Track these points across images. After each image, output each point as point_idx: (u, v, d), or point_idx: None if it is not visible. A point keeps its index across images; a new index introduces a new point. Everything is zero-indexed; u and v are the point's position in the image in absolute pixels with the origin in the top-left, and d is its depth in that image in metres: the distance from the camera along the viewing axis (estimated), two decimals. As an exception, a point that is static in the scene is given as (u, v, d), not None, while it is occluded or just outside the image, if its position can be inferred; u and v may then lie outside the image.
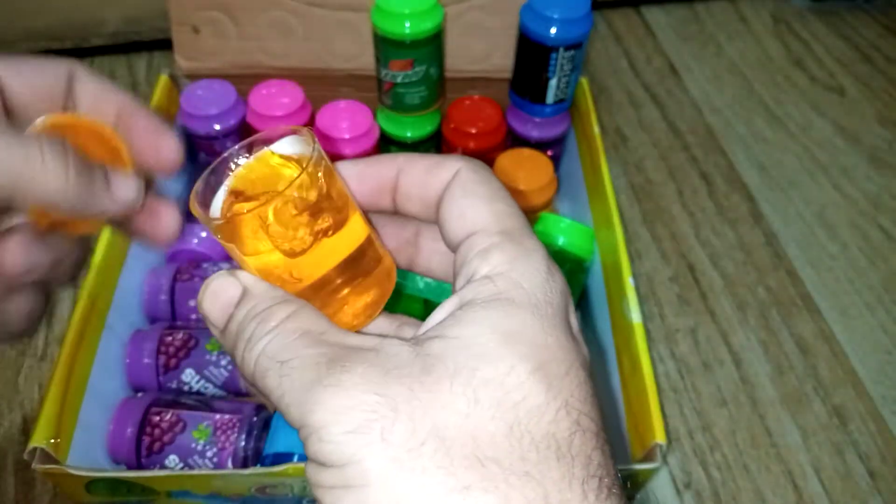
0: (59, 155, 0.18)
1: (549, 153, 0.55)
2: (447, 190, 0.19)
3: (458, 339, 0.16)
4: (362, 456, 0.15)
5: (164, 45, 0.76)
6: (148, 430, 0.42)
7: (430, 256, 0.22)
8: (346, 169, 0.21)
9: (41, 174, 0.18)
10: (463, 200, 0.19)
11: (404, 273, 0.47)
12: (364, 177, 0.20)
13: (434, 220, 0.20)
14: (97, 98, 0.22)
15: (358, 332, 0.19)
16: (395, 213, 0.21)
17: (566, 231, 0.47)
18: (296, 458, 0.41)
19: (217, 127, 0.51)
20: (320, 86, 0.56)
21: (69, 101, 0.22)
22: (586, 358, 0.18)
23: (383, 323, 0.22)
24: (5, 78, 0.21)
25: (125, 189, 0.20)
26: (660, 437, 0.36)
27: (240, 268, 0.20)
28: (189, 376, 0.45)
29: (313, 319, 0.17)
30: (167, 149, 0.22)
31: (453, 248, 0.19)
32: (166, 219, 0.23)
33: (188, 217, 0.22)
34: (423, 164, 0.20)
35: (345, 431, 0.15)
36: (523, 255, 0.17)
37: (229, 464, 0.42)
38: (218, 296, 0.19)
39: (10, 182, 0.18)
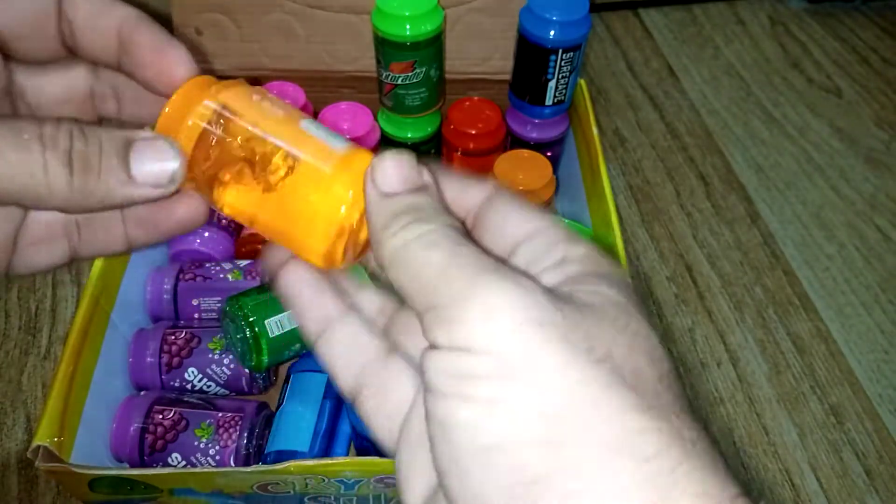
0: (61, 158, 0.17)
1: (548, 154, 0.55)
2: (491, 203, 0.19)
3: (600, 294, 0.16)
4: (542, 351, 0.14)
5: (165, 46, 0.76)
6: (151, 428, 0.42)
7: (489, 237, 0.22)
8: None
9: (43, 185, 0.17)
10: (515, 209, 0.18)
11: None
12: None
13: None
14: (92, 17, 0.20)
15: None
16: None
17: (565, 231, 0.47)
18: (298, 456, 0.41)
19: (219, 128, 0.52)
20: (322, 87, 0.56)
21: (63, 24, 0.20)
22: None
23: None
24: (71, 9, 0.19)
25: (153, 174, 0.18)
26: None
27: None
28: (192, 375, 0.46)
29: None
30: (176, 63, 0.20)
31: (510, 243, 0.18)
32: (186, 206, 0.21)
33: None
34: (459, 179, 0.19)
35: (524, 320, 0.14)
36: (593, 249, 0.18)
37: (231, 462, 0.42)
38: (403, 168, 0.18)
39: (17, 192, 0.17)
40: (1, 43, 0.20)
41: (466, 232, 0.17)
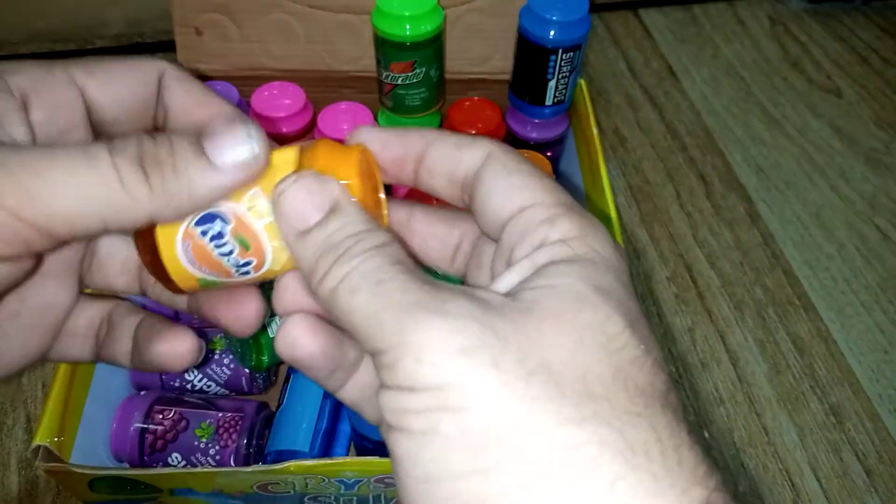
0: (133, 162, 0.16)
1: (548, 154, 0.55)
2: (485, 169, 0.18)
3: (553, 288, 0.15)
4: (469, 378, 0.14)
5: (166, 46, 0.76)
6: (151, 428, 0.42)
7: (424, 242, 0.21)
8: (369, 134, 0.19)
9: (122, 195, 0.16)
10: (509, 177, 0.18)
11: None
12: (389, 144, 0.19)
13: (457, 198, 0.19)
14: (190, 108, 0.20)
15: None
16: (412, 186, 0.20)
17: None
18: (298, 456, 0.41)
19: (219, 128, 0.52)
20: (322, 87, 0.56)
21: (159, 110, 0.20)
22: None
23: None
24: (92, 93, 0.19)
25: (234, 155, 0.17)
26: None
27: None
28: (192, 374, 0.46)
29: (404, 255, 0.17)
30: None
31: (498, 224, 0.18)
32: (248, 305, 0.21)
33: None
34: (452, 141, 0.19)
35: (451, 352, 0.14)
36: (590, 225, 0.17)
37: (231, 461, 0.42)
38: (305, 195, 0.17)
39: (100, 211, 0.16)
40: (96, 120, 0.20)
41: (394, 241, 0.17)
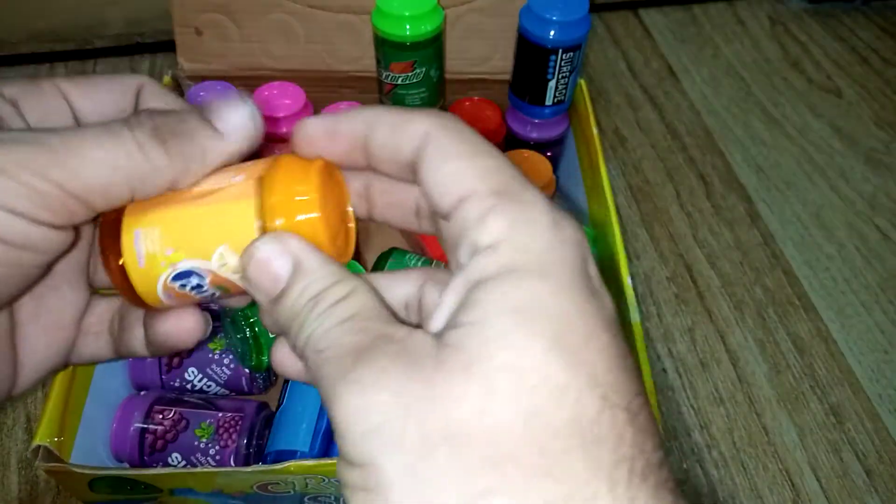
0: (150, 133, 0.18)
1: (548, 154, 0.55)
2: (422, 155, 0.17)
3: (471, 326, 0.15)
4: (379, 460, 0.14)
5: (166, 46, 0.76)
6: (151, 428, 0.42)
7: (386, 210, 0.21)
8: (313, 125, 0.19)
9: (144, 163, 0.18)
10: (443, 165, 0.17)
11: (401, 253, 0.47)
12: (334, 136, 0.19)
13: (412, 180, 0.18)
14: None
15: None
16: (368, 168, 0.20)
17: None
18: (298, 456, 0.41)
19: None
20: (322, 87, 0.56)
21: None
22: (611, 312, 0.16)
23: (408, 280, 0.20)
24: (77, 102, 0.21)
25: (235, 119, 0.19)
26: (657, 435, 0.36)
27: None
28: (192, 374, 0.46)
29: (363, 300, 0.17)
30: None
31: (444, 216, 0.17)
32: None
33: None
34: (389, 122, 0.18)
35: (362, 432, 0.14)
36: (522, 213, 0.16)
37: (232, 461, 0.42)
38: (266, 267, 0.17)
39: (126, 179, 0.18)
40: (77, 118, 0.21)
41: (353, 290, 0.17)
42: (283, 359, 0.20)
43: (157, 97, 0.21)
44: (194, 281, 0.19)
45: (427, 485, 0.14)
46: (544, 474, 0.13)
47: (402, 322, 0.17)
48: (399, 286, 0.20)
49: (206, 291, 0.19)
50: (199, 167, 0.18)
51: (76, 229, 0.19)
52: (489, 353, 0.14)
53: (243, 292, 0.19)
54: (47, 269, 0.19)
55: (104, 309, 0.23)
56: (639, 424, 0.14)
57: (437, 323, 0.16)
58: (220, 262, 0.18)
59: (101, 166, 0.17)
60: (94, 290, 0.23)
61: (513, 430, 0.14)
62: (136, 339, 0.22)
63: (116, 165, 0.17)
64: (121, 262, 0.19)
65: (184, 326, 0.21)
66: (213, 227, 0.18)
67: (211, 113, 0.19)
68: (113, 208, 0.19)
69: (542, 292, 0.15)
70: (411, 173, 0.18)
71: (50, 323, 0.21)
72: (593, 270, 0.16)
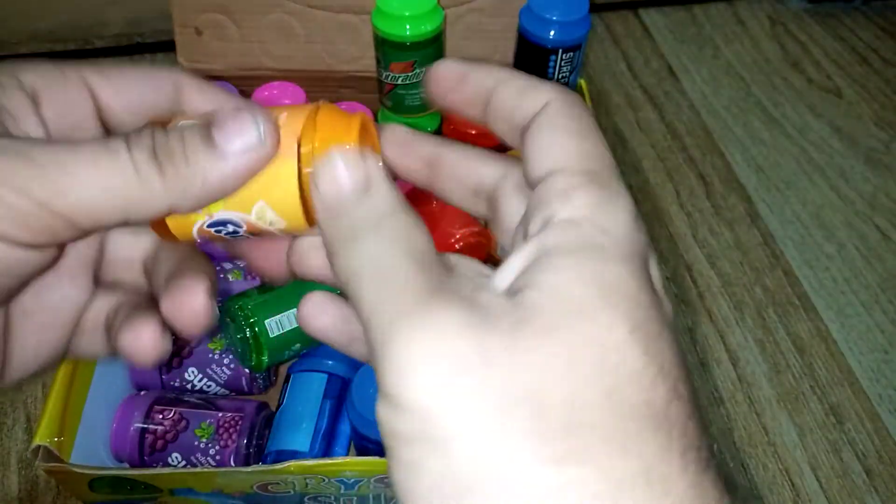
0: (147, 154, 0.17)
1: (548, 154, 0.55)
2: (534, 121, 0.17)
3: (553, 290, 0.14)
4: (448, 408, 0.13)
5: (167, 46, 0.76)
6: (151, 428, 0.42)
7: (447, 181, 0.20)
8: (448, 67, 0.19)
9: (138, 186, 0.17)
10: (548, 135, 0.17)
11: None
12: (464, 82, 0.19)
13: (515, 142, 0.18)
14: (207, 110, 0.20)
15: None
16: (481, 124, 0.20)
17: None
18: (298, 456, 0.41)
19: (219, 128, 0.52)
20: (322, 87, 0.56)
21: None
22: (671, 316, 0.16)
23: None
24: (103, 96, 0.20)
25: (240, 142, 0.17)
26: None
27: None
28: (192, 374, 0.46)
29: (424, 241, 0.16)
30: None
31: (533, 184, 0.17)
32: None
33: None
34: (516, 85, 0.18)
35: (432, 376, 0.13)
36: (609, 198, 0.16)
37: (232, 461, 0.42)
38: (342, 179, 0.17)
39: (120, 203, 0.17)
40: (106, 122, 0.20)
41: (414, 224, 0.16)
42: (305, 257, 0.19)
43: (199, 93, 0.20)
44: (230, 227, 0.19)
45: (499, 442, 0.13)
46: (622, 448, 0.13)
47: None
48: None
49: (241, 237, 0.19)
50: (198, 192, 0.17)
51: (61, 246, 0.18)
52: (573, 323, 0.14)
53: (278, 237, 0.19)
54: (23, 285, 0.18)
55: (100, 307, 0.22)
56: (697, 418, 0.15)
57: (503, 281, 0.16)
58: (259, 216, 0.18)
59: (92, 187, 0.16)
60: (98, 284, 0.22)
61: (594, 402, 0.14)
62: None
63: (108, 187, 0.16)
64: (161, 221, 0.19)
65: (140, 342, 0.20)
66: (253, 184, 0.18)
67: (217, 129, 0.17)
68: (102, 229, 0.18)
69: (625, 276, 0.15)
70: (520, 137, 0.18)
71: (45, 321, 0.21)
72: (656, 273, 0.17)
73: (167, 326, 0.20)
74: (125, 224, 0.17)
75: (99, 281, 0.22)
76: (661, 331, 0.15)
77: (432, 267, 0.16)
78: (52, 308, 0.21)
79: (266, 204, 0.18)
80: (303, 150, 0.18)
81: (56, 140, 0.18)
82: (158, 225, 0.19)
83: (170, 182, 0.17)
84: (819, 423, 0.51)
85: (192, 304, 0.19)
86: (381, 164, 0.18)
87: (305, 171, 0.18)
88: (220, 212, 0.18)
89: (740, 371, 0.54)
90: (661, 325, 0.15)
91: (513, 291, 0.15)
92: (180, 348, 0.46)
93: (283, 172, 0.18)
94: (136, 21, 0.77)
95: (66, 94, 0.19)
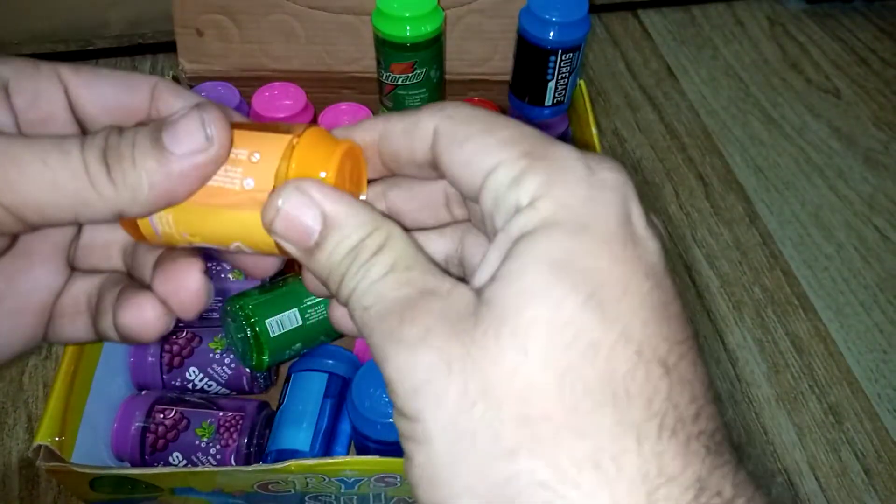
0: (98, 155, 0.17)
1: (548, 154, 0.55)
2: (437, 148, 0.17)
3: (506, 280, 0.15)
4: (424, 415, 0.15)
5: (167, 47, 0.76)
6: (152, 427, 0.42)
7: (416, 214, 0.21)
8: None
9: (88, 187, 0.16)
10: (460, 150, 0.17)
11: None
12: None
13: (432, 177, 0.19)
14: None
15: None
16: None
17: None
18: (298, 455, 0.41)
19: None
20: (322, 88, 0.56)
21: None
22: (654, 257, 0.15)
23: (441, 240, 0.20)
24: (75, 91, 0.20)
25: (189, 141, 0.17)
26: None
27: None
28: (193, 374, 0.46)
29: (401, 246, 0.17)
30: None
31: (474, 196, 0.17)
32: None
33: None
34: (399, 128, 0.18)
35: (410, 389, 0.15)
36: (556, 169, 0.16)
37: (232, 461, 0.42)
38: (294, 222, 0.17)
39: (70, 202, 0.17)
40: (80, 118, 0.20)
41: (391, 234, 0.17)
42: (341, 317, 0.20)
43: (176, 97, 0.20)
44: (212, 251, 0.20)
45: (463, 441, 0.14)
46: (573, 432, 0.14)
47: (442, 270, 0.17)
48: (435, 243, 0.20)
49: (224, 255, 0.20)
50: (146, 196, 0.17)
51: (14, 237, 0.18)
52: (523, 307, 0.14)
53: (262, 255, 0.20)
54: None
55: (79, 291, 0.21)
56: (677, 376, 0.14)
57: (480, 278, 0.16)
58: (238, 249, 0.19)
59: (41, 183, 0.16)
60: (73, 269, 0.22)
61: (545, 388, 0.14)
62: (109, 324, 0.21)
63: (57, 184, 0.16)
64: (141, 234, 0.19)
65: (144, 318, 0.20)
66: (230, 228, 0.18)
67: (166, 131, 0.17)
68: (52, 226, 0.17)
69: (580, 246, 0.15)
70: (433, 170, 0.18)
71: (16, 306, 0.20)
72: (636, 211, 0.16)
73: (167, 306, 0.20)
74: (76, 223, 0.17)
75: (75, 265, 0.22)
76: (626, 291, 0.14)
77: (411, 278, 0.16)
78: (24, 293, 0.20)
79: (242, 243, 0.19)
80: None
81: (15, 134, 0.18)
82: (129, 225, 0.19)
83: (118, 184, 0.17)
84: (818, 422, 0.51)
85: (187, 284, 0.19)
86: (362, 195, 0.18)
87: None
88: (199, 242, 0.19)
89: (739, 371, 0.54)
90: (627, 282, 0.14)
91: (482, 288, 0.16)
92: (182, 348, 0.46)
93: (251, 220, 0.18)
94: (137, 22, 0.77)
95: (37, 84, 0.19)
